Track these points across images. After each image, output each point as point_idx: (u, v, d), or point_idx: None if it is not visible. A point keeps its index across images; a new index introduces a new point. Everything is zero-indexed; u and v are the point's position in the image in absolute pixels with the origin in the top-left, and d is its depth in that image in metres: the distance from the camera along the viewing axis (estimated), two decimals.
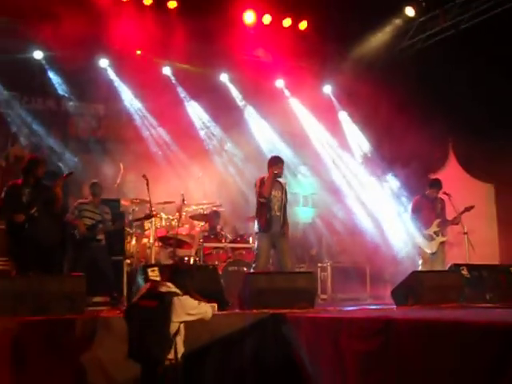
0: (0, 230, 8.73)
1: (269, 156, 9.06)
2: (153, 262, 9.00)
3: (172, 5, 11.50)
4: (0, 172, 7.84)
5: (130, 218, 9.86)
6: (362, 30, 11.95)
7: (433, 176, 10.88)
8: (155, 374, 4.85)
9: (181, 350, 4.94)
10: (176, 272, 5.25)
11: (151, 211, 8.91)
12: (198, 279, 6.72)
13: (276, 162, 8.60)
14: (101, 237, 8.85)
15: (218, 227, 10.39)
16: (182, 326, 4.95)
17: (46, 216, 7.96)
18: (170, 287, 4.98)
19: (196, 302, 5.06)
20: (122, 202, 10.18)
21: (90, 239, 8.70)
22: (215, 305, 6.60)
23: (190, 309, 4.96)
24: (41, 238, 7.80)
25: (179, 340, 4.93)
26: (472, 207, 9.48)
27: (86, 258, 8.58)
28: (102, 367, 5.69)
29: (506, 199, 11.43)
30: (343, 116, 13.77)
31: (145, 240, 9.99)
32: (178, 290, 4.97)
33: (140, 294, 5.06)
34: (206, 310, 5.15)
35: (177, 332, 4.88)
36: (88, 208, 8.86)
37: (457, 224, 9.54)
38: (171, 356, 4.84)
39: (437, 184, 9.79)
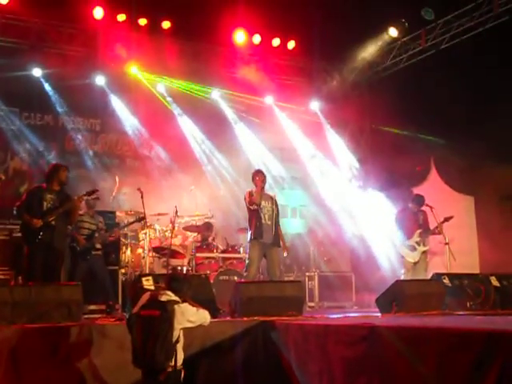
0: (1, 240, 8.98)
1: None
2: (147, 271, 9.03)
3: (166, 25, 11.71)
4: (0, 185, 7.85)
5: (125, 229, 9.93)
6: (347, 49, 12.20)
7: (416, 189, 11.05)
8: (157, 380, 4.86)
9: (181, 356, 4.99)
10: (174, 280, 5.27)
11: (144, 219, 8.95)
12: (190, 288, 7.04)
13: (257, 174, 9.00)
14: (98, 246, 9.00)
15: (210, 238, 10.42)
16: (181, 332, 4.99)
17: (61, 225, 7.95)
18: (170, 296, 5.02)
19: (195, 308, 5.11)
20: (118, 214, 10.29)
21: (89, 249, 8.86)
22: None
23: (190, 315, 5.01)
24: (52, 246, 7.79)
25: (179, 347, 4.97)
26: (451, 217, 9.63)
27: (83, 267, 8.74)
28: (98, 374, 5.72)
29: (485, 211, 11.51)
30: (330, 131, 13.88)
31: (139, 250, 10.07)
32: (177, 298, 5.02)
33: (141, 304, 5.07)
34: (205, 316, 5.20)
35: (177, 339, 4.93)
36: (84, 219, 9.00)
37: (438, 234, 9.67)
38: (173, 363, 4.88)
39: (419, 200, 9.99)
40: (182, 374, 5.03)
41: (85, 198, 8.22)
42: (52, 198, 7.96)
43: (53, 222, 7.83)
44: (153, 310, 4.93)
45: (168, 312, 4.88)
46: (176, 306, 4.94)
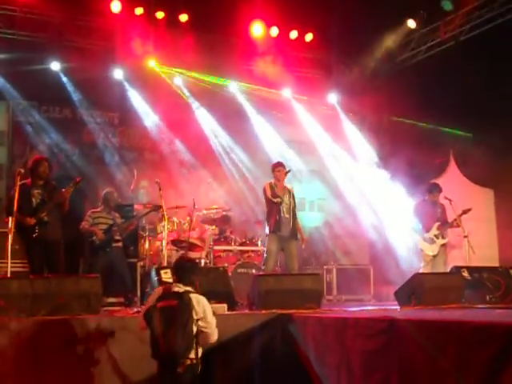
0: None
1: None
2: (165, 264, 8.87)
3: (183, 18, 11.74)
4: (19, 178, 7.88)
5: (143, 221, 10.08)
6: (365, 41, 12.15)
7: (434, 181, 10.92)
8: (175, 373, 4.83)
9: (200, 349, 4.97)
10: (180, 268, 5.26)
11: (160, 208, 8.90)
12: (208, 280, 6.88)
13: (276, 166, 8.99)
14: (118, 238, 9.10)
15: (228, 231, 10.49)
16: (198, 325, 4.95)
17: (53, 218, 7.98)
18: (183, 287, 5.04)
19: (211, 307, 5.08)
20: (136, 207, 10.34)
21: (108, 242, 8.94)
22: (225, 305, 6.86)
23: (206, 305, 4.99)
24: (50, 240, 7.86)
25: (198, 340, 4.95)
26: (469, 210, 9.57)
27: (103, 260, 8.81)
28: (116, 366, 5.80)
29: (504, 203, 11.44)
30: (348, 124, 13.82)
31: (157, 243, 10.06)
32: (190, 288, 5.04)
33: (155, 297, 5.05)
34: (215, 329, 5.10)
35: (197, 331, 4.92)
36: (101, 215, 9.14)
37: (457, 226, 9.59)
38: (192, 355, 4.86)
39: (435, 188, 9.93)
40: (200, 368, 5.01)
41: (72, 188, 8.07)
42: (39, 193, 8.01)
43: (45, 218, 7.88)
44: (170, 300, 4.94)
45: (185, 301, 4.90)
46: (191, 295, 4.96)
